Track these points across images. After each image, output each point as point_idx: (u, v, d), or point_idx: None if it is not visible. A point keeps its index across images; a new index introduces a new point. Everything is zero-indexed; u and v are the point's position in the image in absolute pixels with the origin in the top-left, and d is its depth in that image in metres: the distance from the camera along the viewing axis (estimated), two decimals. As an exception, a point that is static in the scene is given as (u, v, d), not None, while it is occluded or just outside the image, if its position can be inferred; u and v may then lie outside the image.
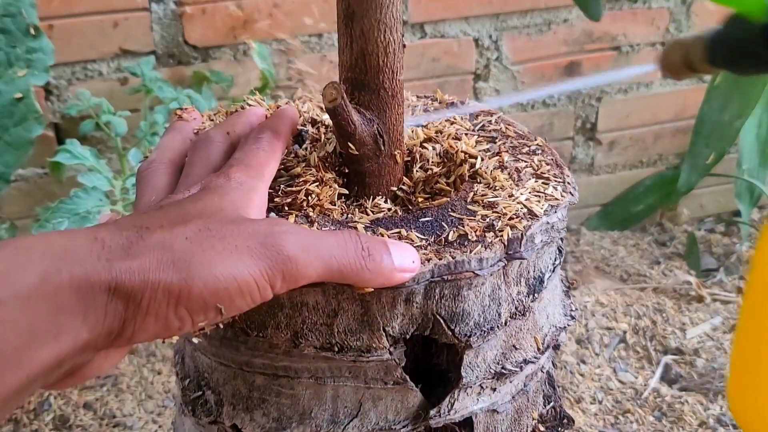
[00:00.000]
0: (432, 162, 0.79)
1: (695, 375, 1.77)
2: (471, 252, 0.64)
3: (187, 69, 1.79)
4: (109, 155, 1.77)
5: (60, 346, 0.46)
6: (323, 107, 0.85)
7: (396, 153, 0.74)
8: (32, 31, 1.41)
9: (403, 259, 0.61)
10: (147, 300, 0.48)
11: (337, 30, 0.69)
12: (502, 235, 0.66)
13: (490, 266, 0.66)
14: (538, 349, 0.75)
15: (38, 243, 0.46)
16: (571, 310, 0.82)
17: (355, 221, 0.69)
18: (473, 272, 0.65)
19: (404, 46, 0.70)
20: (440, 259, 0.64)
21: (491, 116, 0.88)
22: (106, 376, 1.71)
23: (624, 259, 2.19)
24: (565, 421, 0.82)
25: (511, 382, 0.74)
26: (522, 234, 0.67)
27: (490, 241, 0.66)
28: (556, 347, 0.80)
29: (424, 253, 0.64)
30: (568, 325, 0.80)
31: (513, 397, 0.75)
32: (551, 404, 0.83)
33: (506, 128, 0.85)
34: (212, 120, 0.82)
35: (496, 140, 0.83)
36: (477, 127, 0.86)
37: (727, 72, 0.70)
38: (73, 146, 1.53)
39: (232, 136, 0.72)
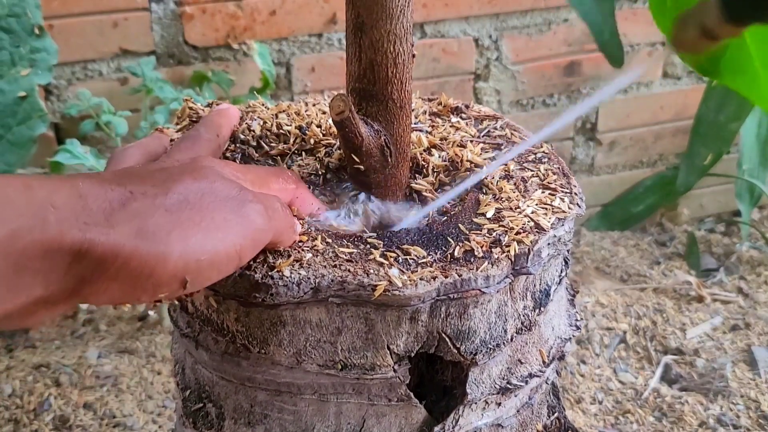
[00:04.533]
0: (437, 169, 0.78)
1: (695, 375, 1.77)
2: (477, 269, 0.64)
3: (187, 69, 1.79)
4: (109, 155, 1.75)
5: (14, 300, 0.45)
6: (325, 112, 0.84)
7: (403, 164, 0.73)
8: (36, 31, 1.41)
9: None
10: (117, 267, 0.48)
11: (345, 40, 0.68)
12: (508, 251, 0.66)
13: (497, 283, 0.65)
14: (544, 362, 0.74)
15: (19, 195, 0.45)
16: (576, 320, 0.81)
17: (364, 237, 0.68)
18: (479, 290, 0.64)
19: (414, 56, 0.69)
20: (446, 277, 0.63)
21: (496, 121, 0.87)
22: (106, 376, 1.71)
23: (624, 260, 2.18)
24: (569, 431, 0.82)
25: (516, 396, 0.73)
26: (529, 249, 0.66)
27: (496, 257, 0.65)
28: (561, 358, 0.80)
29: (429, 271, 0.63)
30: (573, 335, 0.79)
31: (518, 411, 0.75)
32: (555, 415, 0.82)
33: (512, 134, 0.84)
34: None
35: (502, 147, 0.82)
36: (482, 134, 0.85)
37: (754, 26, 0.58)
38: (73, 146, 1.52)
39: (221, 139, 0.71)
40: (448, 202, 0.75)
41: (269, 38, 1.81)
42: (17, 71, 1.41)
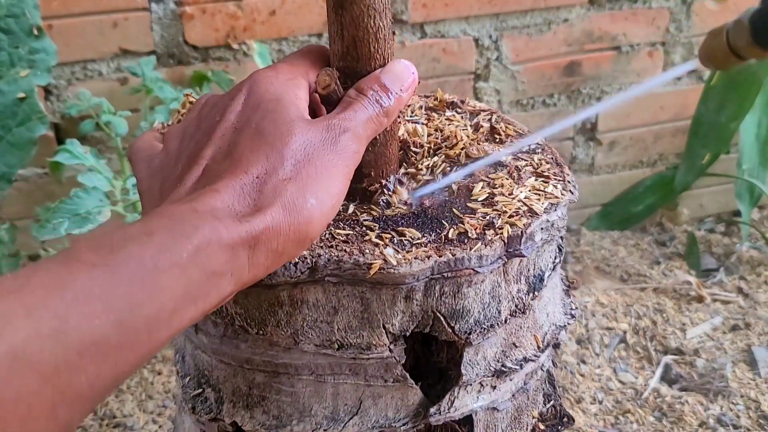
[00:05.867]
0: (429, 146, 0.80)
1: (695, 375, 1.77)
2: (471, 249, 0.65)
3: (187, 69, 1.79)
4: (109, 155, 1.76)
5: (209, 302, 0.53)
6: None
7: (391, 142, 0.73)
8: (35, 32, 1.41)
9: (402, 84, 0.67)
10: (281, 243, 0.56)
11: (327, 19, 0.69)
12: (502, 233, 0.67)
13: (490, 264, 0.66)
14: (538, 347, 0.75)
15: (190, 214, 0.53)
16: (572, 309, 0.82)
17: (360, 220, 0.69)
18: (473, 269, 0.65)
19: (394, 33, 0.70)
20: (440, 256, 0.64)
21: (491, 115, 0.88)
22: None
23: (624, 259, 2.18)
24: (565, 419, 0.82)
25: (511, 380, 0.74)
26: (522, 232, 0.67)
27: (490, 238, 0.66)
28: (556, 346, 0.80)
29: (424, 251, 0.64)
30: (568, 323, 0.80)
31: (513, 396, 0.75)
32: (551, 403, 0.83)
33: (506, 127, 0.85)
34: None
35: (496, 139, 0.83)
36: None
37: None
38: (73, 146, 1.52)
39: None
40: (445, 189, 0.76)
41: (269, 38, 1.81)
42: (16, 72, 1.41)
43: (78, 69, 1.73)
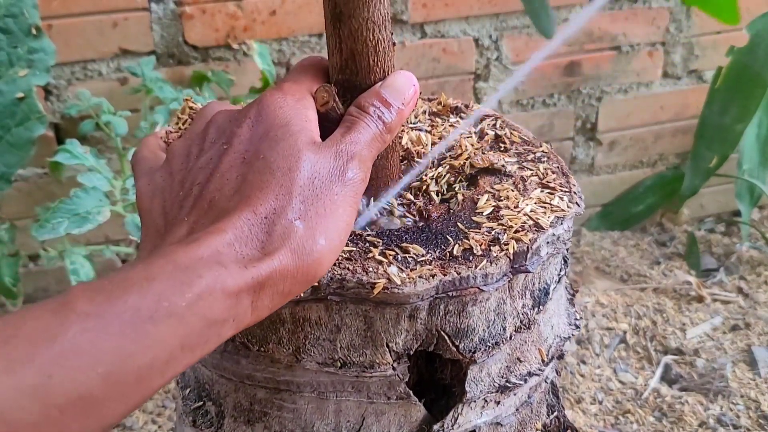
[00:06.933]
0: (433, 161, 0.79)
1: (695, 375, 1.77)
2: (476, 267, 0.64)
3: (187, 69, 1.79)
4: (109, 155, 1.76)
5: (207, 348, 0.51)
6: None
7: (392, 154, 0.73)
8: (34, 32, 1.41)
9: (403, 97, 0.65)
10: (289, 286, 0.55)
11: (325, 31, 0.68)
12: (507, 249, 0.66)
13: (496, 281, 0.65)
14: (543, 360, 0.74)
15: (195, 261, 0.51)
16: (576, 319, 0.81)
17: (363, 235, 0.68)
18: (478, 288, 0.64)
19: (395, 44, 0.68)
20: (445, 275, 0.63)
21: (495, 120, 0.87)
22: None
23: (624, 260, 2.18)
24: (569, 431, 0.82)
25: (515, 394, 0.73)
26: (528, 247, 0.66)
27: (495, 255, 0.65)
28: (561, 357, 0.80)
29: (428, 269, 0.63)
30: (573, 334, 0.79)
31: (517, 410, 0.75)
32: (554, 414, 0.82)
33: (511, 134, 0.84)
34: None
35: (501, 146, 0.82)
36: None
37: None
38: (72, 146, 1.52)
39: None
40: (445, 197, 0.76)
41: (269, 38, 1.81)
42: (15, 72, 1.41)
43: (78, 69, 1.72)
